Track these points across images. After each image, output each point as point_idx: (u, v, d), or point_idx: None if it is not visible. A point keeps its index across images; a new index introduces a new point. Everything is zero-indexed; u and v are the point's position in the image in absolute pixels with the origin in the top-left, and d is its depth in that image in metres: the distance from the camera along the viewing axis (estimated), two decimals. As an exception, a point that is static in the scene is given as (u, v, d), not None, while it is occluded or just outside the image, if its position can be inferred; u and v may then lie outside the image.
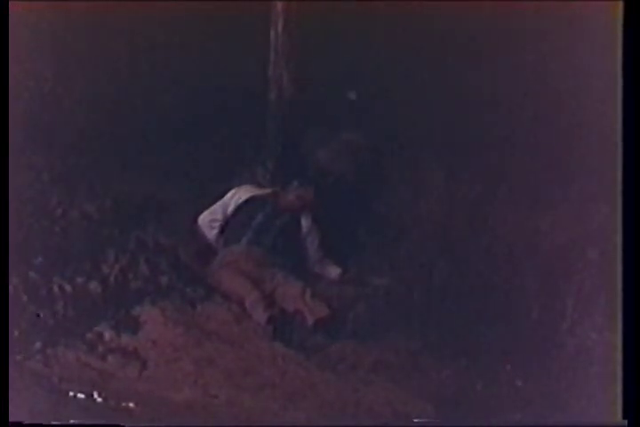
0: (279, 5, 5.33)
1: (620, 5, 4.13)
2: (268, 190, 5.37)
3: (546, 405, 4.17)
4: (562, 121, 4.73)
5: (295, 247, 5.29)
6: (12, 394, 3.93)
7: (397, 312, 4.88)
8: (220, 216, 5.30)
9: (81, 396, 4.13)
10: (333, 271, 5.29)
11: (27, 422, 3.89)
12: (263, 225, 5.23)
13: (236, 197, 5.31)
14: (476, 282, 4.82)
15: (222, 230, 5.30)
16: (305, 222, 5.33)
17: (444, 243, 5.08)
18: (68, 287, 4.68)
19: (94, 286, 4.73)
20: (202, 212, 5.32)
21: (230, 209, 5.29)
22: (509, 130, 5.00)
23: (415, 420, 4.15)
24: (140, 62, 5.58)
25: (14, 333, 4.34)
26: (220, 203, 5.31)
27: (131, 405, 4.10)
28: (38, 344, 4.38)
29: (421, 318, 4.80)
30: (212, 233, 5.31)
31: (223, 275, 5.06)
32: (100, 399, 4.12)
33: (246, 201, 5.29)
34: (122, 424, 3.92)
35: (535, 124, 4.87)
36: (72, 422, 3.98)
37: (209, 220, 5.31)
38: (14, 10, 4.55)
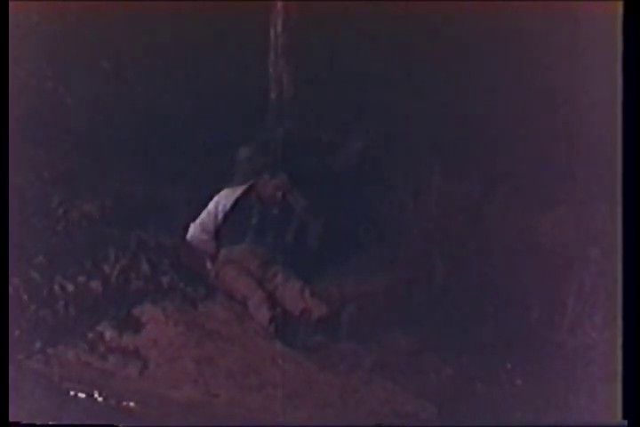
0: (279, 5, 5.33)
1: (620, 5, 4.14)
2: (244, 188, 5.32)
3: (546, 405, 4.17)
4: (562, 121, 4.73)
5: (294, 246, 5.29)
6: (11, 394, 3.93)
7: (397, 312, 4.89)
8: (211, 228, 5.19)
9: (82, 395, 4.14)
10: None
11: (27, 422, 3.89)
12: (261, 224, 5.23)
13: (220, 205, 5.22)
14: (475, 282, 4.82)
15: (217, 238, 5.25)
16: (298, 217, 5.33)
17: (444, 243, 5.08)
18: (69, 287, 4.69)
19: (95, 285, 4.74)
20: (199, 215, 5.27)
21: (220, 218, 5.23)
22: (509, 130, 5.00)
23: (415, 420, 4.16)
24: (139, 62, 5.57)
25: (15, 332, 4.34)
26: (206, 215, 5.20)
27: (131, 404, 4.10)
28: (39, 344, 4.38)
29: (421, 317, 4.80)
30: (209, 246, 5.21)
31: (227, 274, 5.07)
32: (100, 399, 4.13)
33: (233, 205, 5.26)
34: (122, 424, 3.92)
35: (535, 124, 4.87)
36: (72, 422, 3.99)
37: (201, 234, 5.19)
38: (14, 10, 4.55)
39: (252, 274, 5.09)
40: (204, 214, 5.22)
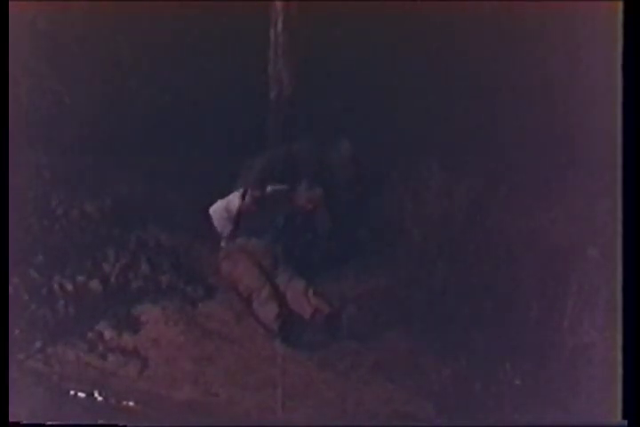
0: (279, 5, 5.34)
1: (620, 5, 4.14)
2: (279, 188, 5.34)
3: (546, 405, 4.17)
4: (562, 120, 4.74)
5: (304, 247, 5.30)
6: (12, 394, 3.93)
7: (397, 312, 4.89)
8: (234, 209, 5.21)
9: (81, 395, 4.14)
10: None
11: (27, 422, 3.90)
12: (283, 225, 5.24)
13: (249, 193, 5.25)
14: (475, 282, 4.81)
15: (235, 224, 5.26)
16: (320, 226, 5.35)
17: (444, 243, 5.08)
18: (68, 286, 4.69)
19: (95, 284, 4.75)
20: (204, 210, 5.28)
21: (246, 205, 5.24)
22: (509, 130, 5.00)
23: (415, 420, 4.16)
24: (140, 62, 5.58)
25: (15, 332, 4.35)
26: (233, 196, 5.24)
27: (131, 404, 4.11)
28: (39, 343, 4.39)
29: (421, 318, 4.80)
30: (225, 225, 5.23)
31: (238, 262, 5.05)
32: (100, 398, 4.14)
33: (262, 198, 5.26)
34: (122, 424, 3.93)
35: (535, 124, 4.88)
36: (72, 421, 3.99)
37: (223, 211, 5.22)
38: (14, 10, 4.55)
39: (264, 270, 5.07)
40: (231, 195, 5.25)
